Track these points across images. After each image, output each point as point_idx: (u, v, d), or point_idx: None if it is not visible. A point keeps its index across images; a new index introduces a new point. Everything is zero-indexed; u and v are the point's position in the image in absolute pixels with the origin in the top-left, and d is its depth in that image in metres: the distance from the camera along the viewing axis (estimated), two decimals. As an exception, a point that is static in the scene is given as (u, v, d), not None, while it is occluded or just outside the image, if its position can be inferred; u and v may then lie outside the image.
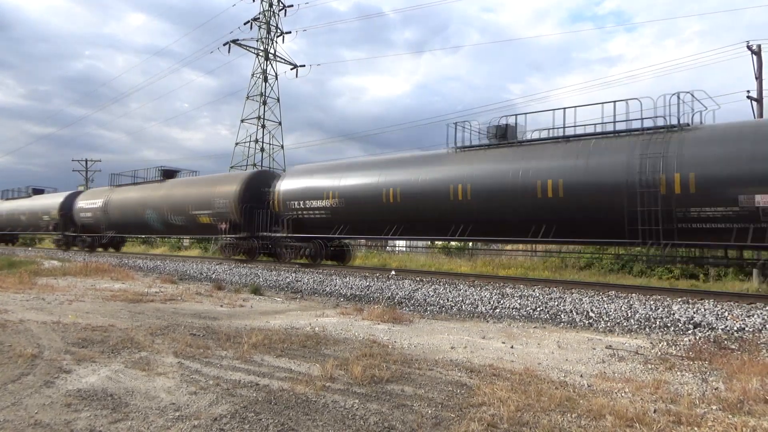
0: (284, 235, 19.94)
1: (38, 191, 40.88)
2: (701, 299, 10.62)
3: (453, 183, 15.21)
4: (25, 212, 38.30)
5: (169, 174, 28.10)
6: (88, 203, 32.03)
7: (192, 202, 23.90)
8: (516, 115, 15.61)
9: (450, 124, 16.30)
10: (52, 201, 36.02)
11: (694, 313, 9.60)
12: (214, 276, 18.96)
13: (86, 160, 66.66)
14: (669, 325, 9.31)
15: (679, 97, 12.28)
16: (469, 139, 16.08)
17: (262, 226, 21.01)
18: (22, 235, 44.96)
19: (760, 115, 21.54)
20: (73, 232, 33.36)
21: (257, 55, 44.44)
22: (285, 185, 20.42)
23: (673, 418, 4.42)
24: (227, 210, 21.87)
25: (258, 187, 21.53)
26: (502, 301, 11.72)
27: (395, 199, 16.46)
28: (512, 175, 14.10)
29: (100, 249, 32.43)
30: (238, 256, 22.34)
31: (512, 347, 7.66)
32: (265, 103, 43.96)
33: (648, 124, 12.78)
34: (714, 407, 4.81)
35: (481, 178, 14.75)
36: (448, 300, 12.43)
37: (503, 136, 15.28)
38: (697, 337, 8.43)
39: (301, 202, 19.44)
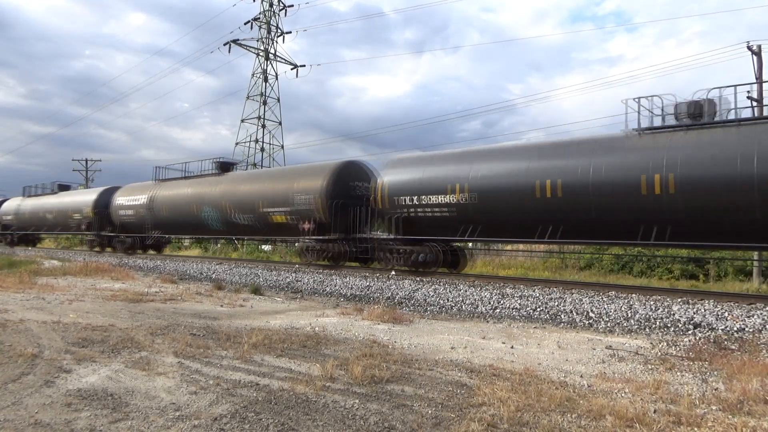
0: (391, 236, 16.68)
1: (64, 187, 37.56)
2: (701, 300, 10.62)
3: (645, 173, 12.07)
4: (52, 210, 34.45)
5: (225, 167, 24.89)
6: (129, 200, 28.43)
7: (263, 198, 20.33)
8: (735, 86, 11.95)
9: (630, 100, 12.95)
10: (84, 198, 32.21)
11: (694, 313, 9.61)
12: (214, 276, 18.97)
13: (86, 160, 66.72)
14: (669, 325, 9.31)
15: None
16: (651, 119, 12.90)
17: (358, 227, 17.87)
18: (47, 236, 41.92)
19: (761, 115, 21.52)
20: (111, 231, 29.76)
21: (257, 55, 44.51)
22: (392, 177, 16.99)
23: (673, 419, 4.42)
24: (311, 207, 18.46)
25: (347, 181, 18.57)
26: (502, 302, 11.72)
27: (553, 194, 13.28)
28: (742, 162, 11.04)
29: (139, 251, 29.38)
30: (321, 261, 19.06)
31: (512, 347, 7.66)
32: (265, 103, 44.03)
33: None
34: (714, 407, 4.81)
35: (687, 166, 11.64)
36: (448, 300, 12.43)
37: (699, 115, 12.35)
38: (697, 338, 8.44)
39: (415, 198, 16.12)
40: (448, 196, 15.38)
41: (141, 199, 27.36)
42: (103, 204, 30.14)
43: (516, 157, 14.62)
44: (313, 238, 18.70)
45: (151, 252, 29.99)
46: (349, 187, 18.58)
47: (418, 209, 16.19)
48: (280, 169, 22.50)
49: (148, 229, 27.21)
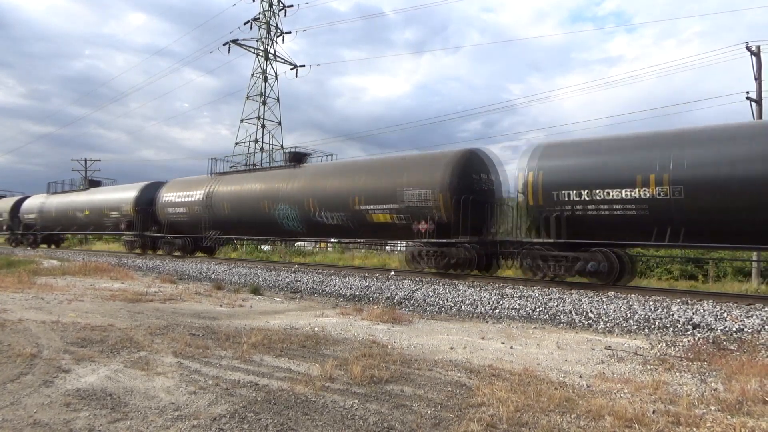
0: (549, 240, 13.45)
1: (95, 183, 34.09)
2: (700, 300, 10.63)
3: None
4: (83, 208, 30.99)
5: (299, 158, 21.30)
6: (179, 196, 24.97)
7: (359, 193, 17.24)
8: None
9: None
10: (122, 195, 28.66)
11: (693, 313, 9.62)
12: (213, 276, 18.96)
13: (86, 160, 66.60)
14: (668, 325, 9.32)
15: None
16: None
17: (489, 227, 15.40)
18: (79, 236, 38.90)
19: (760, 116, 21.57)
20: (157, 231, 26.49)
21: (257, 55, 44.48)
22: (549, 166, 13.61)
23: (672, 419, 4.43)
24: (428, 205, 15.46)
25: (470, 173, 15.63)
26: (501, 302, 11.73)
27: None
28: None
29: (188, 254, 25.47)
30: (438, 269, 15.73)
31: (511, 348, 7.66)
32: (264, 103, 43.99)
33: None
34: (713, 408, 4.82)
35: None
36: (447, 300, 12.43)
37: None
38: (696, 338, 8.44)
39: (584, 192, 12.81)
40: (636, 190, 12.10)
41: (195, 195, 23.88)
42: (146, 201, 26.89)
43: (746, 137, 11.17)
44: (430, 242, 15.57)
45: (201, 255, 26.07)
46: (473, 180, 15.56)
47: (588, 206, 12.80)
48: (379, 159, 18.63)
49: (205, 229, 23.44)
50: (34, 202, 37.16)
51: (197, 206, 23.82)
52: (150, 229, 26.78)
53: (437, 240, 15.35)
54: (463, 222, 14.80)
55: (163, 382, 5.17)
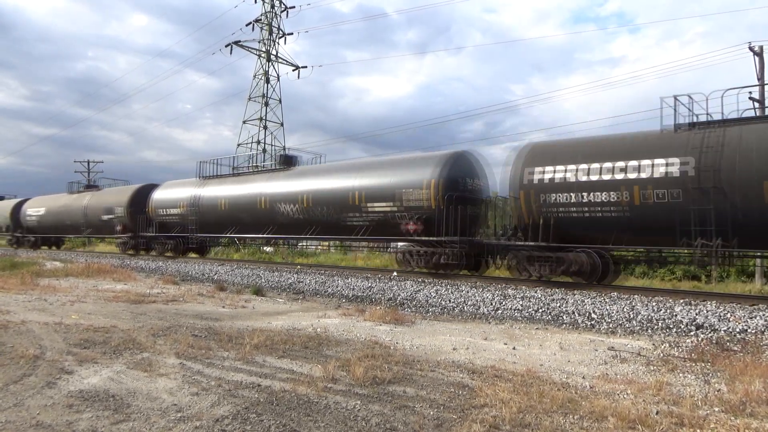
0: None
1: (290, 160, 22.02)
2: (704, 300, 10.59)
3: None
4: (288, 198, 19.65)
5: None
6: (589, 171, 12.58)
7: None
8: None
9: None
10: (398, 176, 16.33)
11: (696, 314, 9.59)
12: (215, 277, 18.97)
13: (88, 161, 66.56)
14: (671, 326, 9.29)
15: None
16: None
17: None
18: (281, 241, 27.21)
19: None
20: (511, 236, 14.29)
21: (259, 56, 44.49)
22: None
23: (675, 420, 4.41)
24: None
25: None
26: (504, 303, 11.71)
27: None
28: None
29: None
30: None
31: (514, 348, 7.65)
32: (267, 104, 43.97)
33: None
34: (716, 409, 4.80)
35: None
36: (450, 301, 12.42)
37: None
38: (700, 339, 8.42)
39: None
40: None
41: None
42: (453, 183, 15.42)
43: None
44: None
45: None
46: None
47: None
48: None
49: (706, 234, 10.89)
50: (180, 195, 25.26)
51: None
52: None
53: None
54: None
55: (166, 384, 5.18)
